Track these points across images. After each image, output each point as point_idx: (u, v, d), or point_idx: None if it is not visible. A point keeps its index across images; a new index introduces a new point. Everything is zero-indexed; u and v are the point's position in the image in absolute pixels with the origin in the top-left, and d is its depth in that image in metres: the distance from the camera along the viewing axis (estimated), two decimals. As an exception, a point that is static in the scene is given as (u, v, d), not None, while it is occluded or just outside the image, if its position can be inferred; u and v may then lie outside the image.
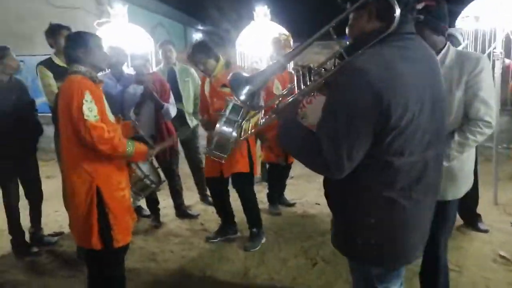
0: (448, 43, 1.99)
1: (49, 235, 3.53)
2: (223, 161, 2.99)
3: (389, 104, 1.17)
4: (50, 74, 3.36)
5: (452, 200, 2.02)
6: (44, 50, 7.50)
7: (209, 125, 3.21)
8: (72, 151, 2.16)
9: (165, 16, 10.47)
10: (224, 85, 3.12)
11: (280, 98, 1.68)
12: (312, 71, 1.45)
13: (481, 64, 1.89)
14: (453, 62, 1.92)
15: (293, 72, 4.47)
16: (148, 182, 2.50)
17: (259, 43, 4.76)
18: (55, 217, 3.98)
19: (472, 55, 1.99)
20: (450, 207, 2.02)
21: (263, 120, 2.25)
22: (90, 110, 2.05)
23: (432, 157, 1.34)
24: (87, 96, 2.06)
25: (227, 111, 2.86)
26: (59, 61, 3.46)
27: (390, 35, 1.23)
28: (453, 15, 4.43)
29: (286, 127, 1.40)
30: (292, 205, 4.19)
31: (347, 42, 1.39)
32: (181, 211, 4.01)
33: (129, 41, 4.55)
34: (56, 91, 3.21)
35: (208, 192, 4.34)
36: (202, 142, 4.52)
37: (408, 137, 1.24)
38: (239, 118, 2.85)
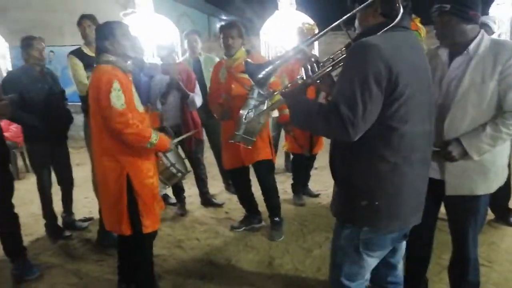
0: (482, 31, 1.91)
1: (79, 220, 3.65)
2: (250, 147, 3.02)
3: (397, 75, 1.35)
4: (80, 64, 3.43)
5: (483, 195, 1.96)
6: (73, 41, 7.66)
7: (228, 113, 3.18)
8: (103, 140, 2.22)
9: (190, 6, 10.52)
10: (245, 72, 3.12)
11: (289, 84, 1.84)
12: (320, 62, 1.61)
13: None
14: (487, 51, 1.85)
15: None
16: (174, 170, 2.54)
17: (284, 33, 4.73)
18: (85, 203, 4.11)
19: (508, 43, 1.91)
20: (480, 202, 1.97)
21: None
22: (117, 98, 2.10)
23: (428, 131, 1.53)
24: (115, 85, 2.11)
25: (255, 95, 2.85)
26: (88, 51, 3.52)
27: (392, 28, 1.42)
28: (487, 2, 4.26)
29: (296, 105, 1.55)
30: (317, 196, 4.18)
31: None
32: (206, 200, 4.06)
33: (155, 31, 4.61)
34: (86, 81, 3.28)
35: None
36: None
37: (411, 107, 1.42)
38: (264, 102, 2.87)
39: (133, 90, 2.28)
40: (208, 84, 4.16)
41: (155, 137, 2.24)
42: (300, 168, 4.11)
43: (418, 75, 1.45)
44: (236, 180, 3.47)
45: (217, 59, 4.36)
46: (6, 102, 2.57)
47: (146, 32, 4.55)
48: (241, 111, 2.90)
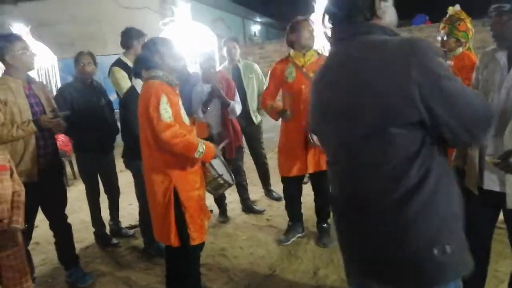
0: None
1: (125, 227, 3.76)
2: None
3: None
4: (125, 75, 3.52)
5: None
6: (116, 50, 7.94)
7: (289, 114, 3.07)
8: (151, 153, 2.27)
9: (224, 10, 10.62)
10: None
11: None
12: None
13: None
14: None
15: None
16: (221, 181, 2.56)
17: (320, 36, 4.65)
18: (129, 210, 4.22)
19: None
20: None
21: None
22: (165, 111, 2.15)
23: (344, 170, 1.35)
24: (164, 99, 2.16)
25: None
26: (127, 61, 3.60)
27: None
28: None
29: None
30: None
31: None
32: (247, 206, 4.07)
33: (193, 39, 4.68)
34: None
35: (273, 188, 4.40)
36: (266, 136, 4.55)
37: (322, 141, 1.48)
38: None
39: (180, 103, 2.32)
40: (247, 91, 4.20)
41: (202, 146, 2.27)
42: None
43: (326, 102, 1.31)
44: (292, 187, 3.32)
45: (256, 65, 4.37)
46: (60, 120, 2.69)
47: (185, 40, 4.63)
48: None
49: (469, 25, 3.21)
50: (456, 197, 1.22)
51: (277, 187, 4.21)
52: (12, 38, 2.61)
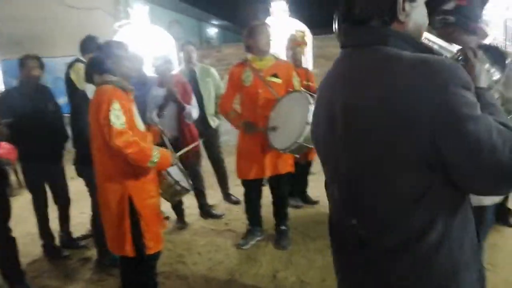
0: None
1: (77, 238, 3.59)
2: (298, 156, 3.06)
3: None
4: (83, 75, 3.34)
5: (490, 205, 1.95)
6: (63, 52, 7.62)
7: (252, 128, 3.06)
8: (104, 161, 2.19)
9: (180, 13, 10.48)
10: (276, 75, 3.07)
11: None
12: None
13: None
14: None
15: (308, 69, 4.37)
16: (178, 188, 2.51)
17: (277, 40, 4.70)
18: (81, 219, 4.02)
19: None
20: (487, 211, 1.96)
21: None
22: (117, 118, 2.08)
23: (337, 200, 1.17)
24: (115, 105, 2.08)
25: (311, 100, 2.77)
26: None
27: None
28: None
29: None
30: (316, 202, 4.16)
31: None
32: (205, 211, 4.02)
33: (150, 42, 4.57)
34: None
35: (231, 191, 4.38)
36: (223, 139, 4.53)
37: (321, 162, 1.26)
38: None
39: (134, 110, 2.25)
40: (204, 95, 4.16)
41: (156, 155, 2.21)
42: (296, 174, 4.09)
43: (324, 119, 1.11)
44: (251, 191, 3.32)
45: (212, 69, 4.34)
46: (2, 127, 2.52)
47: (141, 43, 4.51)
48: (305, 120, 2.73)
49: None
50: (468, 244, 0.99)
51: (236, 191, 4.20)
52: None
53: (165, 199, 2.55)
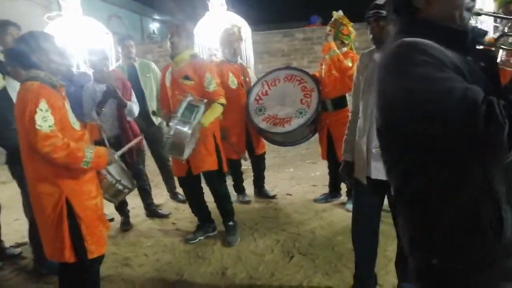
0: None
1: (11, 246, 3.33)
2: (183, 161, 2.98)
3: None
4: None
5: None
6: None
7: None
8: (35, 163, 2.04)
9: (120, 7, 10.05)
10: (187, 77, 3.05)
11: None
12: None
13: None
14: None
15: (243, 64, 4.38)
16: (120, 187, 2.41)
17: (216, 34, 4.63)
18: (16, 226, 3.75)
19: None
20: None
21: None
22: (44, 120, 1.93)
23: None
24: (42, 105, 1.93)
25: (179, 110, 2.79)
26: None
27: None
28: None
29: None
30: (274, 197, 4.17)
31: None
32: (152, 211, 3.91)
33: (84, 35, 4.33)
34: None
35: (178, 190, 4.29)
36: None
37: None
38: (192, 117, 2.81)
39: (67, 106, 2.11)
40: (145, 91, 4.04)
41: (89, 155, 2.07)
42: (238, 171, 4.12)
43: None
44: (185, 187, 3.35)
45: (153, 64, 4.22)
46: None
47: (74, 37, 4.26)
48: (170, 125, 2.78)
49: (350, 29, 3.62)
50: None
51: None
52: None
53: (107, 200, 2.44)
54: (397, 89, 0.98)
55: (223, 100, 3.13)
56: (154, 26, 12.54)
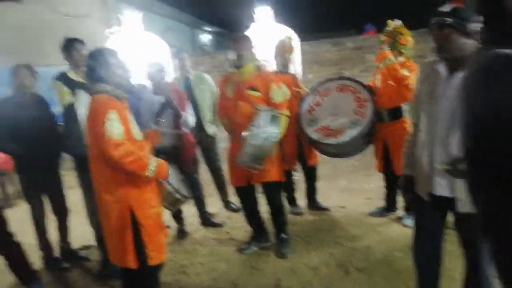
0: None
1: (77, 249, 3.54)
2: (256, 172, 2.97)
3: None
4: (67, 90, 3.34)
5: None
6: (56, 60, 7.54)
7: (234, 134, 3.13)
8: (103, 172, 2.16)
9: (174, 20, 10.46)
10: (253, 88, 3.08)
11: None
12: None
13: None
14: None
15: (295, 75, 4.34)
16: (178, 196, 2.48)
17: (263, 45, 4.64)
18: (82, 230, 3.95)
19: None
20: None
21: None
22: (114, 129, 2.05)
23: None
24: (111, 115, 2.06)
25: (261, 121, 2.79)
26: (74, 76, 3.44)
27: None
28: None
29: None
30: (326, 209, 4.11)
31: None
32: (206, 220, 3.99)
33: (143, 49, 4.53)
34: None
35: (231, 198, 4.35)
36: (222, 146, 4.50)
37: None
38: (274, 127, 2.82)
39: (131, 117, 2.23)
40: (199, 103, 4.14)
41: (154, 164, 2.19)
42: (289, 183, 4.09)
43: None
44: (243, 198, 3.34)
45: (207, 76, 4.33)
46: None
47: (134, 50, 4.47)
48: (244, 134, 2.82)
49: (409, 38, 3.50)
50: None
51: (236, 199, 4.16)
52: None
53: (165, 208, 2.53)
54: (494, 105, 0.90)
55: (287, 112, 3.16)
56: (205, 38, 12.92)
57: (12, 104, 3.11)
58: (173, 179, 2.50)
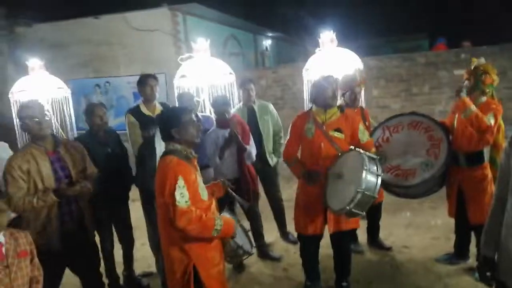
0: None
1: (139, 275, 3.68)
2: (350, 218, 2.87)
3: None
4: (136, 123, 3.50)
5: None
6: (128, 71, 8.00)
7: (317, 176, 2.94)
8: (168, 229, 2.20)
9: (236, 28, 10.55)
10: (339, 129, 2.99)
11: None
12: None
13: None
14: None
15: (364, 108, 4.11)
16: (241, 252, 2.47)
17: (328, 71, 4.48)
18: (143, 252, 4.11)
19: None
20: None
21: None
22: (182, 196, 2.08)
23: None
24: (180, 182, 2.09)
25: (367, 164, 2.67)
26: (145, 110, 3.59)
27: None
28: None
29: None
30: (389, 249, 3.93)
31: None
32: (263, 253, 3.97)
33: (208, 75, 4.59)
34: (140, 140, 3.36)
35: (289, 229, 4.29)
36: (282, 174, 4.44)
37: None
38: (378, 170, 2.71)
39: (199, 179, 2.24)
40: (263, 133, 4.11)
41: (219, 223, 2.21)
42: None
43: None
44: (309, 247, 3.19)
45: (271, 106, 4.28)
46: (85, 185, 2.65)
47: (203, 77, 4.55)
48: (356, 187, 2.64)
49: (494, 77, 3.19)
50: None
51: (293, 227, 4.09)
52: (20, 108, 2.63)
53: (227, 262, 2.53)
54: None
55: (375, 151, 3.07)
56: (266, 43, 12.91)
57: (90, 141, 3.26)
58: (238, 234, 2.50)
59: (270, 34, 13.00)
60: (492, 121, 3.02)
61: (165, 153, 2.22)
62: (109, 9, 7.97)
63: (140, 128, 3.43)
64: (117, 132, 3.61)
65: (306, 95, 4.48)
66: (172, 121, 2.22)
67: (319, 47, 4.58)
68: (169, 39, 7.94)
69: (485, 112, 3.07)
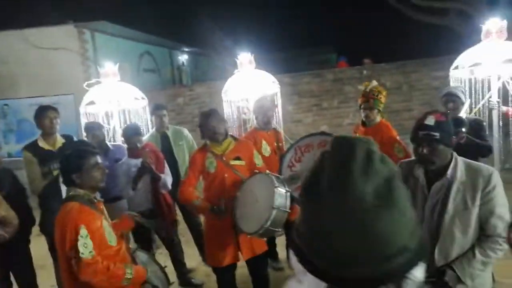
0: (454, 153, 1.92)
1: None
2: (265, 238, 2.90)
3: None
4: (34, 160, 3.24)
5: None
6: (30, 92, 7.34)
7: (224, 211, 2.90)
8: (73, 283, 2.06)
9: (150, 44, 10.31)
10: (238, 158, 3.02)
11: None
12: None
13: (494, 180, 1.84)
14: (465, 177, 1.87)
15: (278, 128, 4.26)
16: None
17: (246, 92, 4.61)
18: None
19: (483, 169, 1.90)
20: None
21: None
22: (85, 247, 1.97)
23: None
24: (83, 231, 1.97)
25: (275, 183, 2.74)
26: (44, 144, 3.34)
27: None
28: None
29: None
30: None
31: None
32: (185, 281, 3.89)
33: (121, 100, 4.42)
34: (39, 179, 3.15)
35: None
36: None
37: None
38: (285, 186, 2.79)
39: (104, 223, 2.12)
40: (178, 159, 4.05)
41: (130, 272, 2.10)
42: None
43: None
44: (227, 276, 3.11)
45: (186, 131, 4.24)
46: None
47: (111, 103, 4.36)
48: (271, 205, 2.69)
49: (384, 95, 3.51)
50: None
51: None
52: None
53: None
54: None
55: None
56: (183, 58, 12.79)
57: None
58: (152, 274, 2.41)
59: (186, 49, 12.91)
60: (402, 155, 3.11)
61: (66, 199, 2.08)
62: (3, 26, 7.28)
63: (39, 164, 3.18)
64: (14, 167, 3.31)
65: (225, 115, 4.50)
66: (73, 166, 2.09)
67: (237, 68, 4.67)
68: (76, 58, 7.48)
69: (390, 143, 3.24)
